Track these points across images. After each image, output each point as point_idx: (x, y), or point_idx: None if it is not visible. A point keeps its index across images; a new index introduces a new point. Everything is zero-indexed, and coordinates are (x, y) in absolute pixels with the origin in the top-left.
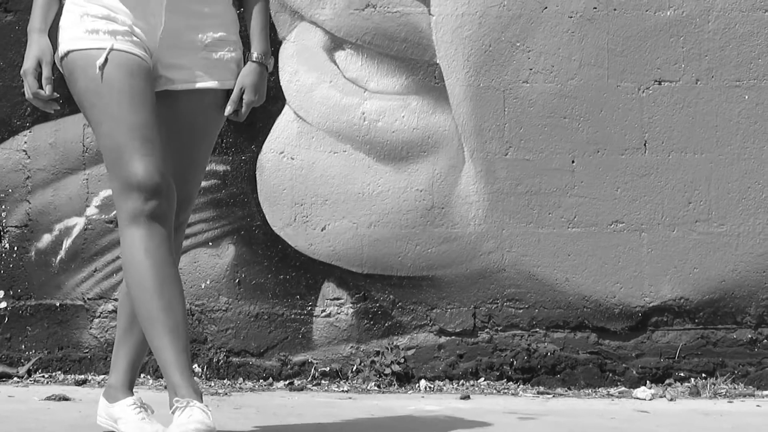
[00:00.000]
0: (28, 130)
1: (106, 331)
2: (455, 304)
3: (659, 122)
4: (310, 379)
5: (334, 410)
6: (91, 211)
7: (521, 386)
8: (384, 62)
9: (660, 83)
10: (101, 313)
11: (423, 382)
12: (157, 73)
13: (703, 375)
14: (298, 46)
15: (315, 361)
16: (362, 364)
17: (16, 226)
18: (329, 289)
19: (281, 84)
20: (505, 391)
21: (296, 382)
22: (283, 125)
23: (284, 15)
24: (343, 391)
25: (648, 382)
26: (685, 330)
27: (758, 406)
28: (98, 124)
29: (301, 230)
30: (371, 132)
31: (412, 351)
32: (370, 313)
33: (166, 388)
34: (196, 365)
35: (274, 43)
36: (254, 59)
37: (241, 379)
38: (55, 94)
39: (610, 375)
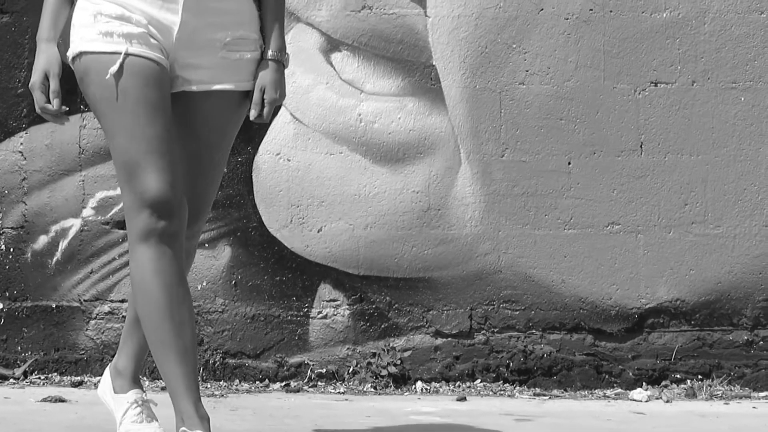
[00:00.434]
0: (25, 132)
1: (103, 332)
2: (452, 306)
3: (655, 124)
4: (306, 380)
5: (331, 412)
6: (87, 212)
7: (517, 388)
8: (380, 64)
9: (656, 85)
10: (97, 314)
11: (419, 384)
12: (174, 73)
13: (700, 377)
14: (294, 47)
15: (311, 363)
16: (358, 366)
17: (12, 228)
18: (325, 290)
19: None
20: (502, 392)
21: (292, 383)
22: (280, 127)
23: None
24: (339, 392)
25: (644, 383)
26: (681, 332)
27: (754, 407)
28: (111, 135)
29: (297, 232)
30: (367, 134)
31: (409, 352)
32: (367, 315)
33: (163, 389)
34: None
35: None
36: (270, 57)
37: (237, 380)
38: (64, 107)
39: (607, 377)
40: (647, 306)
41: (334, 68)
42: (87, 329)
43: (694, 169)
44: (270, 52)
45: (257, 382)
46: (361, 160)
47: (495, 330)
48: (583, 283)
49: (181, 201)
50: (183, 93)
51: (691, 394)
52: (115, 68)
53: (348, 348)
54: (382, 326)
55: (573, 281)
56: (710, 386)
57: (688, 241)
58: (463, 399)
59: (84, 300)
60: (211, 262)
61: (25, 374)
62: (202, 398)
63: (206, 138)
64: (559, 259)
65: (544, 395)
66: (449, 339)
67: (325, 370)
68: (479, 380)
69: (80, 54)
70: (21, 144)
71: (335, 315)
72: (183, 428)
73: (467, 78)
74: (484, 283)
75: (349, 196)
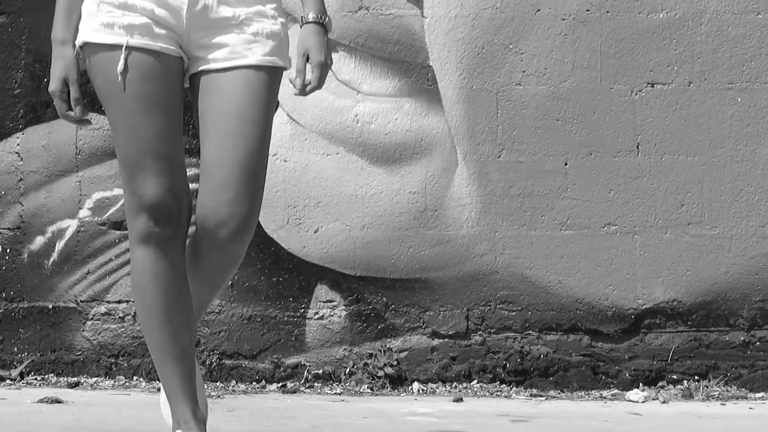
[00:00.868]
0: (21, 132)
1: (99, 333)
2: (448, 307)
3: (652, 124)
4: (303, 381)
5: (327, 412)
6: (83, 213)
7: (514, 388)
8: (377, 64)
9: (653, 85)
10: (94, 315)
11: (416, 385)
12: (192, 54)
13: (696, 377)
14: (291, 48)
15: (308, 364)
16: (355, 367)
17: (8, 229)
18: (322, 291)
19: None
20: (498, 393)
21: (289, 384)
22: (276, 127)
23: None
24: (336, 393)
25: (641, 384)
26: (677, 332)
27: (751, 408)
28: (114, 131)
29: (294, 232)
30: (364, 134)
31: (405, 353)
32: (363, 316)
33: (159, 391)
34: None
35: None
36: (311, 19)
37: (234, 381)
38: (87, 112)
39: (603, 377)
40: (644, 307)
41: (331, 69)
42: (83, 330)
43: (690, 169)
44: (311, 15)
45: (254, 383)
46: (358, 161)
47: (492, 331)
48: (580, 284)
49: (181, 203)
50: (205, 73)
51: (688, 395)
52: (121, 66)
53: (345, 349)
54: (379, 327)
55: (570, 282)
56: (707, 387)
57: (685, 242)
58: (459, 400)
59: (81, 301)
60: None
61: (22, 375)
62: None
63: (238, 121)
64: (555, 259)
65: (541, 396)
66: (446, 340)
67: (321, 371)
68: (476, 381)
69: (84, 44)
70: (18, 145)
71: (332, 316)
72: (178, 431)
73: (464, 79)
74: (480, 283)
75: (345, 196)
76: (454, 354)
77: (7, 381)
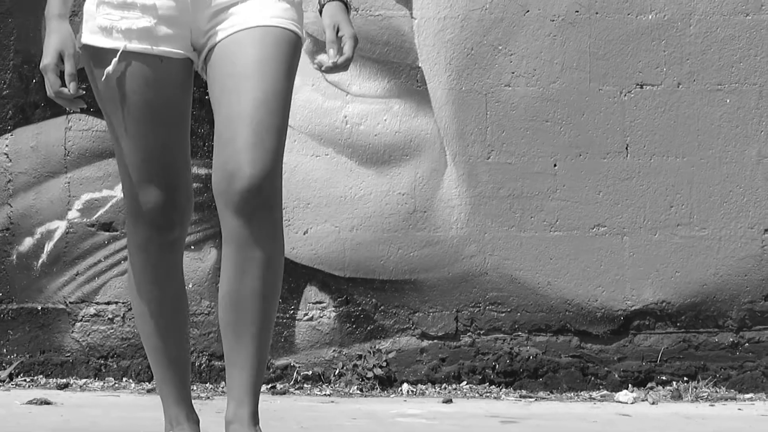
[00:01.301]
0: (10, 134)
1: (88, 334)
2: (437, 308)
3: (641, 126)
4: (292, 383)
5: (317, 414)
6: (72, 214)
7: (503, 390)
8: (366, 66)
9: (642, 87)
10: (83, 316)
11: (405, 386)
12: (200, 42)
13: (685, 378)
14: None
15: (297, 365)
16: (344, 368)
17: None
18: (311, 292)
19: None
20: (488, 394)
21: (278, 385)
22: None
23: None
24: (325, 394)
25: (630, 385)
26: (666, 333)
27: (740, 409)
28: (113, 135)
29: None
30: (353, 135)
31: (395, 354)
32: (353, 317)
33: (149, 392)
34: None
35: None
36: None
37: (223, 383)
38: (81, 91)
39: (592, 378)
40: (633, 308)
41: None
42: (73, 331)
43: (679, 171)
44: None
45: None
46: (347, 162)
47: (481, 332)
48: (569, 285)
49: (183, 210)
50: (214, 47)
51: (677, 396)
52: (110, 68)
53: (334, 350)
54: (368, 328)
55: (559, 283)
56: (696, 388)
57: (674, 243)
58: (449, 401)
59: (70, 302)
60: (197, 265)
61: (11, 377)
62: None
63: (247, 69)
64: (545, 261)
65: (530, 397)
66: (435, 341)
67: (311, 372)
68: (465, 382)
69: (83, 46)
70: (6, 146)
71: (321, 317)
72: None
73: (453, 80)
74: (470, 285)
75: (335, 198)
76: (444, 355)
77: None
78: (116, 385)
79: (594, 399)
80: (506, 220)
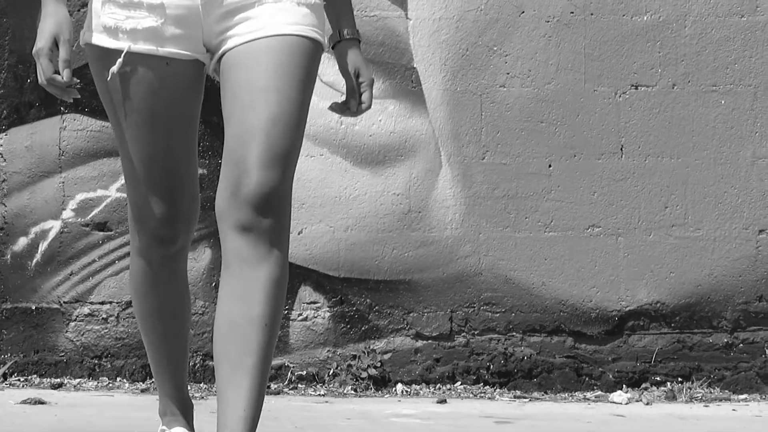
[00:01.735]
0: (4, 133)
1: (82, 334)
2: (432, 308)
3: (636, 127)
4: (286, 382)
5: (311, 414)
6: (67, 214)
7: (498, 390)
8: None
9: (637, 88)
10: (77, 316)
11: (400, 386)
12: (212, 44)
13: (680, 379)
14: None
15: (291, 365)
16: (339, 368)
17: None
18: (306, 293)
19: None
20: (482, 395)
21: (272, 385)
22: None
23: None
24: (319, 395)
25: (624, 386)
26: (661, 334)
27: (734, 410)
28: (117, 139)
29: None
30: (348, 136)
31: (389, 355)
32: (347, 317)
33: (142, 392)
34: None
35: None
36: (349, 36)
37: None
38: (75, 79)
39: (587, 379)
40: (627, 308)
41: None
42: (67, 331)
43: (674, 172)
44: (347, 31)
45: None
46: (342, 162)
47: (475, 332)
48: (564, 286)
49: (187, 220)
50: (227, 52)
51: (671, 397)
52: (114, 68)
53: (328, 350)
54: (363, 328)
55: (553, 284)
56: (690, 388)
57: (669, 244)
58: (443, 401)
59: (64, 302)
60: (192, 264)
61: (5, 376)
62: None
63: (260, 82)
64: (539, 261)
65: (525, 397)
66: (429, 341)
67: (305, 372)
68: (459, 382)
69: (88, 45)
70: (0, 146)
71: (315, 317)
72: (162, 427)
73: (448, 80)
74: (464, 285)
75: (329, 198)
76: (438, 355)
77: None
78: (110, 384)
79: (588, 399)
80: (501, 220)
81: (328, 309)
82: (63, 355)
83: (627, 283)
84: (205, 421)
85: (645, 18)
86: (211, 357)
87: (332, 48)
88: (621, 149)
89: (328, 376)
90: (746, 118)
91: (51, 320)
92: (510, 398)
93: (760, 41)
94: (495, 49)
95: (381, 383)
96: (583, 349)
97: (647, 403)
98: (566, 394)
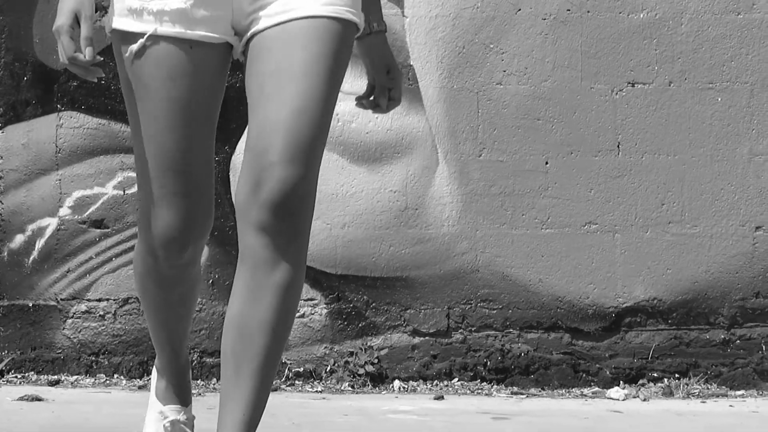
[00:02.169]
0: (1, 131)
1: (79, 331)
2: (429, 305)
3: (632, 124)
4: (283, 379)
5: (308, 411)
6: (64, 211)
7: (495, 386)
8: (358, 64)
9: (633, 85)
10: (74, 313)
11: (397, 383)
12: (241, 25)
13: (677, 375)
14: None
15: (289, 362)
16: (336, 365)
17: None
18: (303, 289)
19: None
20: (479, 391)
21: None
22: None
23: None
24: (317, 391)
25: (621, 382)
26: (658, 330)
27: (731, 406)
28: (134, 140)
29: None
30: (345, 133)
31: (386, 351)
32: (344, 314)
33: (139, 389)
34: None
35: None
36: (377, 29)
37: (214, 379)
38: (98, 57)
39: (584, 375)
40: (624, 305)
41: None
42: (64, 328)
43: (671, 169)
44: (375, 24)
45: None
46: (339, 160)
47: (472, 329)
48: (561, 283)
49: (201, 226)
50: (256, 34)
51: (668, 393)
52: (135, 47)
53: (325, 347)
54: (360, 325)
55: (550, 280)
56: (687, 385)
57: (665, 241)
58: (440, 398)
59: (61, 299)
60: None
61: (2, 373)
62: None
63: (288, 70)
64: (536, 258)
65: (522, 394)
66: (427, 338)
67: (302, 369)
68: (456, 379)
69: (112, 31)
70: None
71: (313, 314)
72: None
73: (444, 78)
74: (461, 282)
75: (326, 195)
76: (435, 352)
77: None
78: (107, 381)
79: (585, 396)
80: (498, 217)
81: (325, 306)
82: (60, 352)
83: (624, 280)
84: (203, 417)
85: (641, 15)
86: (209, 354)
87: (357, 40)
88: (618, 146)
89: (326, 372)
90: (743, 115)
91: (48, 317)
92: (507, 395)
93: (757, 38)
94: (491, 46)
95: (378, 380)
96: (580, 346)
97: (644, 400)
98: (563, 391)
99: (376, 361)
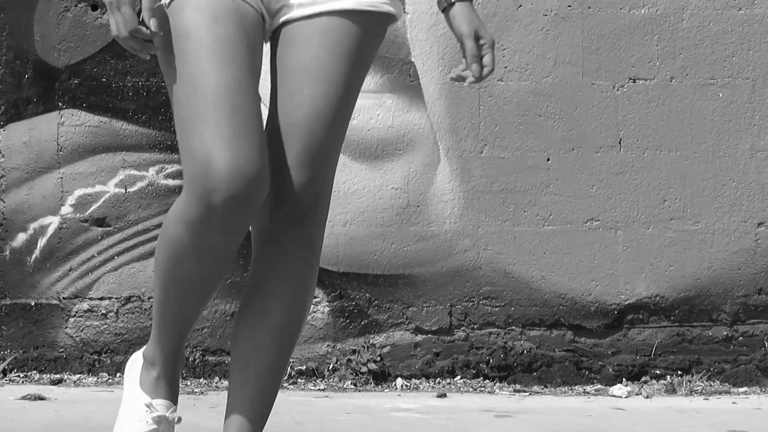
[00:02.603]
0: (2, 129)
1: (82, 330)
2: (431, 303)
3: (634, 120)
4: (286, 377)
5: (311, 408)
6: (65, 209)
7: (497, 384)
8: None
9: (634, 81)
10: (76, 312)
11: (399, 381)
12: (273, 9)
13: (679, 372)
14: None
15: (291, 360)
16: (338, 363)
17: None
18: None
19: None
20: (482, 389)
21: None
22: None
23: None
24: (319, 389)
25: (624, 379)
26: (660, 327)
27: (734, 403)
28: (173, 90)
29: None
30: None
31: (389, 349)
32: (346, 312)
33: None
34: None
35: None
36: None
37: (217, 378)
38: (161, 32)
39: (586, 373)
40: (627, 302)
41: None
42: (66, 327)
43: (672, 165)
44: None
45: None
46: (340, 157)
47: (475, 326)
48: (563, 280)
49: (262, 173)
50: (287, 23)
51: (671, 390)
52: None
53: (328, 345)
54: (362, 323)
55: (552, 277)
56: (690, 382)
57: (668, 237)
58: (443, 395)
59: (63, 298)
60: None
61: (4, 372)
62: (181, 396)
63: (310, 69)
64: (538, 255)
65: (524, 391)
66: (429, 335)
67: (305, 367)
68: (459, 377)
69: None
70: None
71: (315, 312)
72: (147, 399)
73: (446, 74)
74: (463, 279)
75: None
76: (438, 350)
77: None
78: (110, 380)
79: (588, 393)
80: (499, 214)
81: (327, 304)
82: (62, 351)
83: (626, 277)
84: (204, 416)
85: (643, 11)
86: (211, 352)
87: (442, 12)
88: (619, 143)
89: (328, 370)
90: (744, 111)
91: (50, 316)
92: (510, 392)
93: (758, 34)
94: None
95: (380, 378)
96: (582, 343)
97: (647, 397)
98: (566, 388)
99: (378, 359)
